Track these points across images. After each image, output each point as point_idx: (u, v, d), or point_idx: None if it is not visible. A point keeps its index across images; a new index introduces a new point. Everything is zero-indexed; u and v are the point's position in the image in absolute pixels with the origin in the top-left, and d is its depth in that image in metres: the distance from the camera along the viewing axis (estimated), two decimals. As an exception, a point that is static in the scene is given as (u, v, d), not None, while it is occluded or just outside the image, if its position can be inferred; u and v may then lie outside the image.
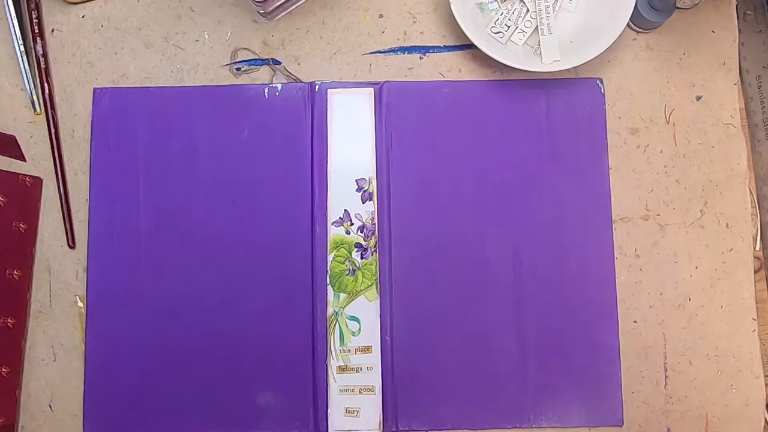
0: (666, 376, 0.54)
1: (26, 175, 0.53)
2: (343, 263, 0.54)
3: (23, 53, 0.55)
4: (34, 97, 0.55)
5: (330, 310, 0.53)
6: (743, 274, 0.55)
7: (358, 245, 0.54)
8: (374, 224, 0.54)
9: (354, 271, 0.54)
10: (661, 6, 0.54)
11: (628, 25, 0.53)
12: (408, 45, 0.57)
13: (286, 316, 0.53)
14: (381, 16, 0.57)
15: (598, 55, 0.52)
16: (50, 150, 0.55)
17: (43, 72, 0.55)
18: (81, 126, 0.56)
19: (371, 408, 0.52)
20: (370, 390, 0.53)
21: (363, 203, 0.54)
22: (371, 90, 0.55)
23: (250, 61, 0.56)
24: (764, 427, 0.53)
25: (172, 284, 0.53)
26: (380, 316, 0.53)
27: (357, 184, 0.54)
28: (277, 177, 0.55)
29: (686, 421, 0.53)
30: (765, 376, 0.54)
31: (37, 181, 0.55)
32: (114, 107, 0.55)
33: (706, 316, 0.54)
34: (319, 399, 0.52)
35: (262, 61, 0.56)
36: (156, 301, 0.53)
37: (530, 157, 0.55)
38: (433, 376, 0.53)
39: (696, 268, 0.55)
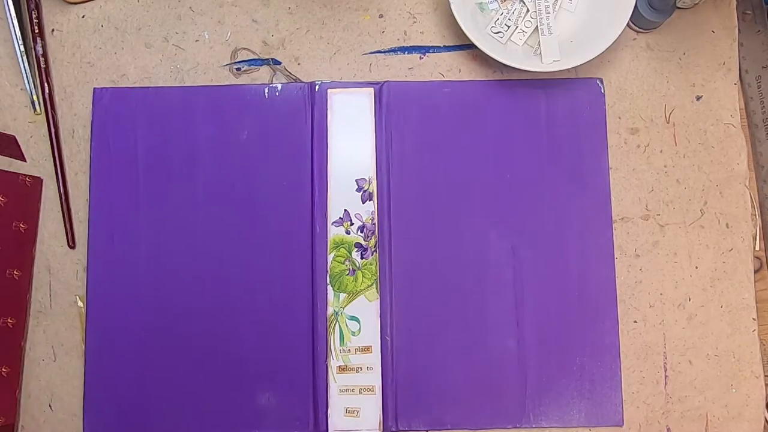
0: (666, 376, 0.54)
1: (26, 175, 0.53)
2: (343, 263, 0.54)
3: (23, 53, 0.55)
4: (34, 97, 0.55)
5: (330, 310, 0.53)
6: (743, 274, 0.55)
7: (358, 245, 0.54)
8: (374, 224, 0.54)
9: (354, 271, 0.54)
10: (661, 6, 0.54)
11: (628, 25, 0.53)
12: (408, 45, 0.57)
13: (285, 315, 0.53)
14: (381, 16, 0.57)
15: (598, 55, 0.52)
16: (50, 150, 0.55)
17: (43, 72, 0.55)
18: (81, 126, 0.56)
19: (371, 408, 0.52)
20: (370, 390, 0.53)
21: (363, 203, 0.54)
22: (371, 90, 0.55)
23: (250, 61, 0.56)
24: (764, 427, 0.53)
25: (171, 284, 0.53)
26: (380, 316, 0.53)
27: (357, 184, 0.54)
28: (277, 177, 0.55)
29: (686, 421, 0.53)
30: (765, 376, 0.54)
31: (37, 181, 0.55)
32: (114, 107, 0.55)
33: (706, 316, 0.54)
34: (319, 399, 0.52)
35: (262, 61, 0.56)
36: (156, 301, 0.53)
37: (530, 156, 0.55)
38: (433, 376, 0.53)
39: (696, 268, 0.55)
